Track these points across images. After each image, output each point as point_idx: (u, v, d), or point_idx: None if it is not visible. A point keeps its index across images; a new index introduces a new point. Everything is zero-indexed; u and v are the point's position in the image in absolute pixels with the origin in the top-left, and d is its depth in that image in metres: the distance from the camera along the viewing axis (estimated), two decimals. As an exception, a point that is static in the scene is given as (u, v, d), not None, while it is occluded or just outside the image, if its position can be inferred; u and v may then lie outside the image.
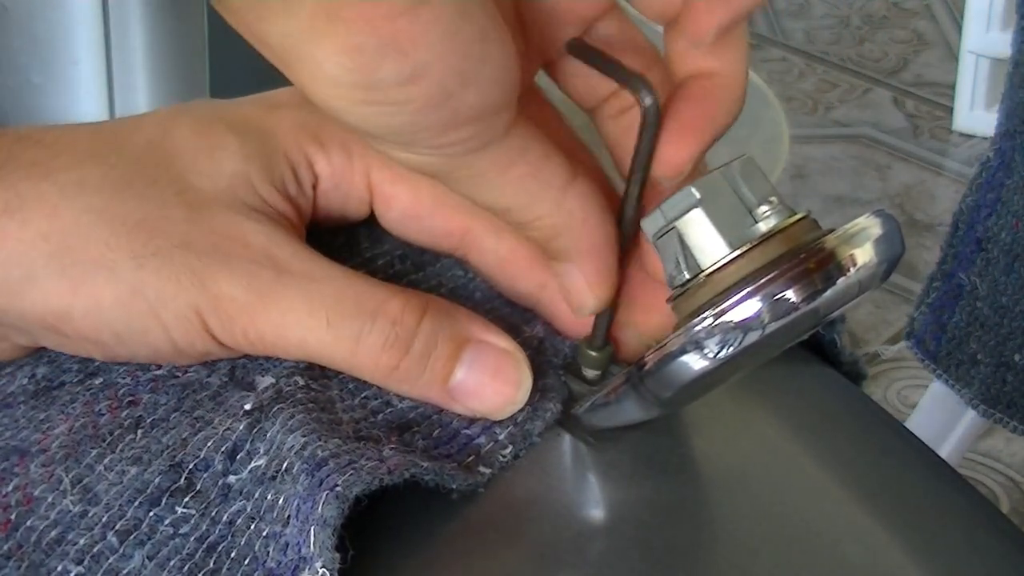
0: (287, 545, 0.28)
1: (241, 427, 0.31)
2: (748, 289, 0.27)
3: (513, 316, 0.36)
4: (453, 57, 0.26)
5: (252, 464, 0.30)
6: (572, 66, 0.33)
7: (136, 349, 0.33)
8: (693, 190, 0.29)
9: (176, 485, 0.30)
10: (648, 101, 0.30)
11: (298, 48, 0.26)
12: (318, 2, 0.25)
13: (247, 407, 0.31)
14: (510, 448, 0.32)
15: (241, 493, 0.30)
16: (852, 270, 0.28)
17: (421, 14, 0.25)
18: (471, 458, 0.32)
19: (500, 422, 0.32)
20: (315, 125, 0.35)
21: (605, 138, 0.34)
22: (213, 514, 0.30)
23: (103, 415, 0.32)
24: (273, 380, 0.32)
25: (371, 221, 0.37)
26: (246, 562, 0.29)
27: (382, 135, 0.28)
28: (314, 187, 0.35)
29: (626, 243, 0.32)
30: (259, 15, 0.26)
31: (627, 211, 0.32)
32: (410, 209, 0.36)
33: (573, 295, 0.32)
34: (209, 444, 0.31)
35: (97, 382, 0.33)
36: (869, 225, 0.28)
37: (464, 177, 0.30)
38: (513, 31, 0.31)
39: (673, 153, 0.30)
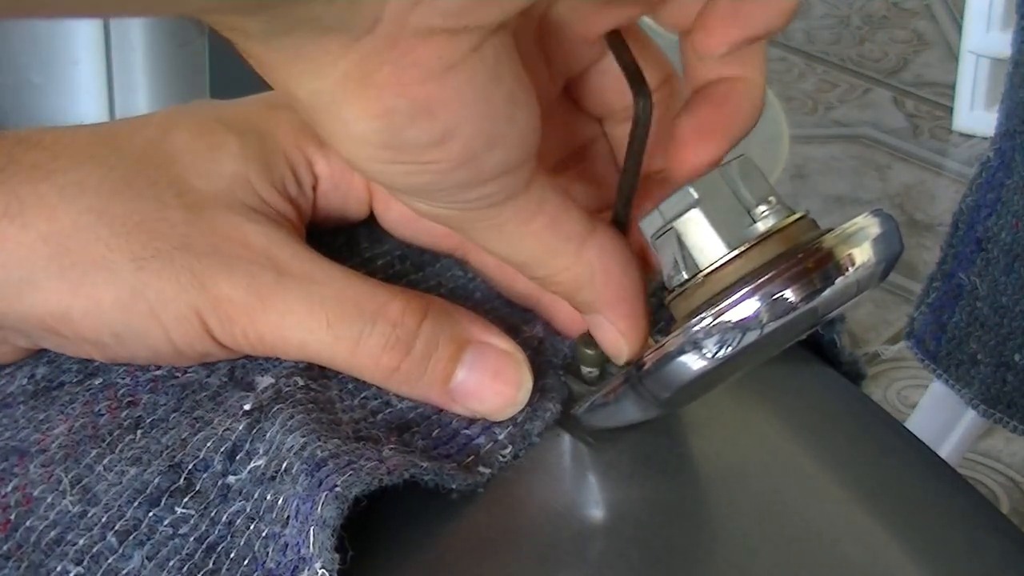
0: (286, 545, 0.28)
1: (240, 427, 0.31)
2: (746, 289, 0.27)
3: (513, 316, 0.36)
4: (482, 121, 0.26)
5: (251, 464, 0.30)
6: (587, 84, 0.33)
7: (136, 350, 0.33)
8: (691, 190, 0.29)
9: (175, 485, 0.30)
10: (640, 102, 0.30)
11: (327, 106, 0.26)
12: (350, 65, 0.25)
13: (246, 407, 0.31)
14: (509, 448, 0.32)
15: (240, 493, 0.30)
16: (850, 269, 0.28)
17: (452, 79, 0.25)
18: (470, 458, 0.32)
19: (499, 422, 0.32)
20: None
21: (613, 143, 0.35)
22: (212, 514, 0.30)
23: (102, 415, 0.32)
24: (272, 380, 0.32)
25: (371, 221, 0.37)
26: (245, 562, 0.29)
27: (405, 191, 0.28)
28: (314, 188, 0.35)
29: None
30: (288, 73, 0.25)
31: (618, 209, 0.32)
32: (409, 210, 0.36)
33: (607, 345, 0.32)
34: (208, 444, 0.31)
35: (96, 382, 0.33)
36: (867, 224, 0.28)
37: (483, 228, 0.30)
38: (534, 56, 0.31)
39: (692, 155, 0.30)
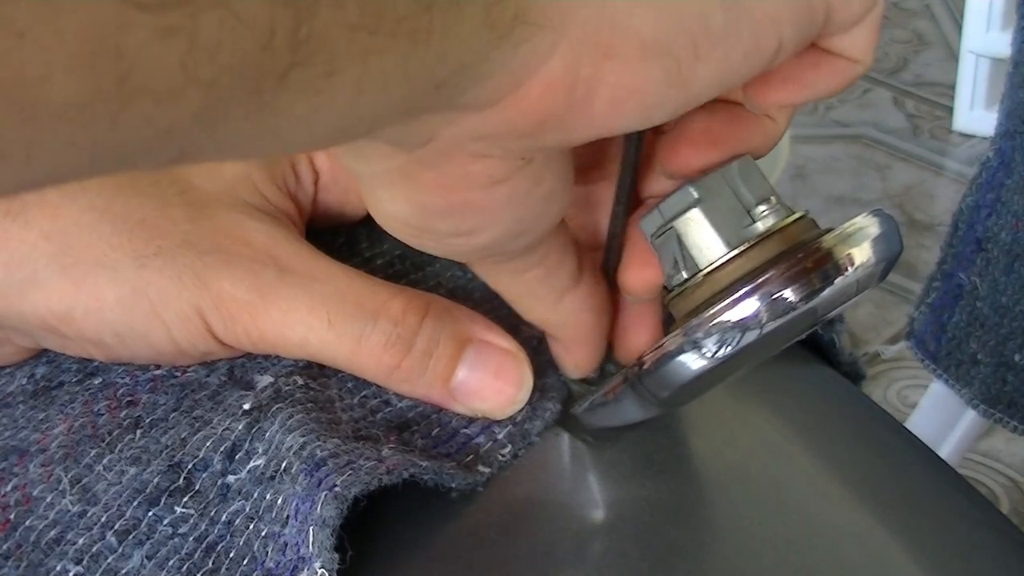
0: (286, 545, 0.28)
1: (240, 427, 0.31)
2: (746, 288, 0.27)
3: (512, 315, 0.36)
4: (514, 223, 0.27)
5: (251, 464, 0.30)
6: None
7: (138, 349, 0.33)
8: (691, 190, 0.29)
9: (175, 485, 0.30)
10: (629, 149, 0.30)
11: (364, 180, 0.26)
12: (397, 164, 0.25)
13: (246, 407, 0.31)
14: (509, 447, 0.32)
15: (240, 493, 0.30)
16: (850, 269, 0.28)
17: (495, 191, 0.25)
18: (470, 457, 0.32)
19: (499, 421, 0.32)
20: None
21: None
22: (212, 514, 0.30)
23: (102, 415, 0.32)
24: (272, 379, 0.32)
25: (370, 221, 0.37)
26: (245, 562, 0.29)
27: (418, 249, 0.29)
28: (315, 183, 0.36)
29: (613, 265, 0.32)
30: (334, 149, 0.26)
31: (606, 255, 0.32)
32: None
33: (560, 365, 0.34)
34: (208, 444, 0.31)
35: (96, 382, 0.33)
36: (867, 224, 0.28)
37: (479, 268, 0.32)
38: None
39: (691, 155, 0.30)
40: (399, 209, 0.26)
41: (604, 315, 0.33)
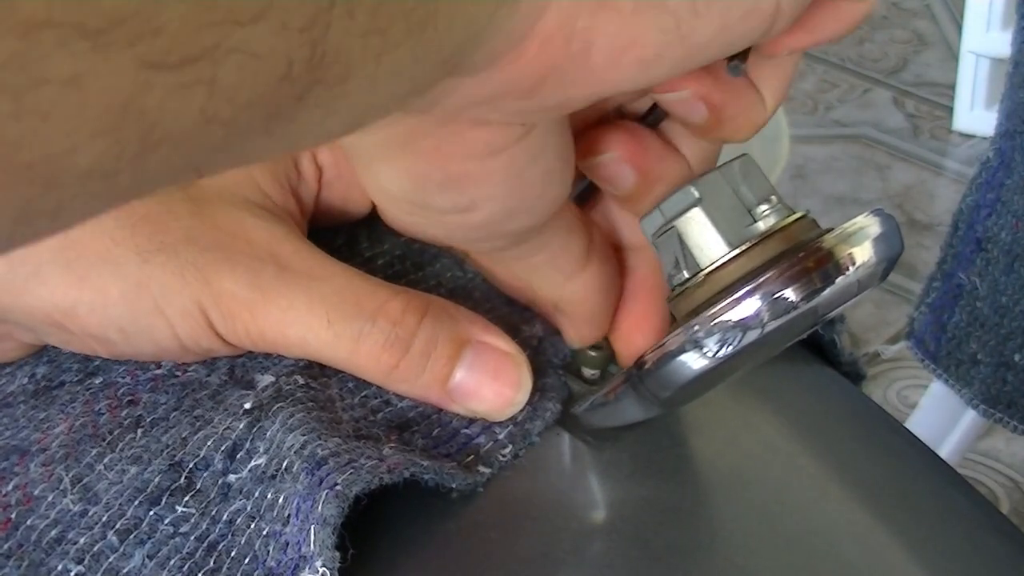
0: (287, 544, 0.28)
1: (241, 426, 0.31)
2: (747, 288, 0.27)
3: (512, 316, 0.36)
4: (511, 199, 0.27)
5: (252, 463, 0.30)
6: None
7: (142, 346, 0.33)
8: (692, 189, 0.29)
9: (176, 484, 0.30)
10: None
11: (360, 155, 0.26)
12: (395, 132, 0.25)
13: (247, 406, 0.31)
14: (510, 447, 0.32)
15: (241, 492, 0.30)
16: (851, 269, 0.28)
17: (492, 161, 0.25)
18: (471, 457, 0.32)
19: (500, 422, 0.32)
20: None
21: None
22: (213, 513, 0.30)
23: (103, 414, 0.32)
24: (273, 379, 0.32)
25: (370, 221, 0.37)
26: (246, 561, 0.29)
27: (417, 237, 0.29)
28: (319, 179, 0.36)
29: None
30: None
31: None
32: None
33: (564, 335, 0.35)
34: (209, 443, 0.31)
35: (97, 381, 0.33)
36: (868, 224, 0.28)
37: (483, 258, 0.32)
38: None
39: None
40: (397, 183, 0.26)
41: (612, 293, 0.33)
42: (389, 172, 0.26)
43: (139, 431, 0.32)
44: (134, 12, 0.14)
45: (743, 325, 0.27)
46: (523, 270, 0.33)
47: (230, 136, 0.17)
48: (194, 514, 0.30)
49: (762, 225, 0.29)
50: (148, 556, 0.29)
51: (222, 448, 0.30)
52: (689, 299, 0.29)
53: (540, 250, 0.31)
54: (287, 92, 0.17)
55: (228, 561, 0.29)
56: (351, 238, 0.38)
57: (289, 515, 0.28)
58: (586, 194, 0.33)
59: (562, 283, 0.32)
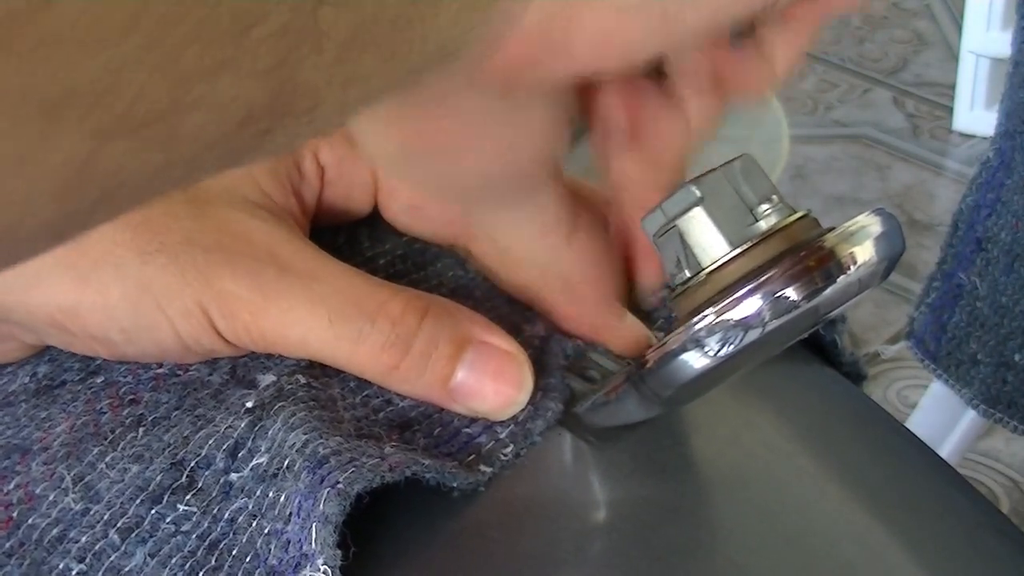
0: (288, 542, 0.28)
1: (242, 425, 0.31)
2: (749, 287, 0.27)
3: (514, 315, 0.36)
4: (501, 147, 0.27)
5: (253, 462, 0.30)
6: None
7: (144, 347, 0.33)
8: (694, 189, 0.29)
9: (178, 483, 0.30)
10: None
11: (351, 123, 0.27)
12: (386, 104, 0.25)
13: (248, 405, 0.31)
14: (511, 447, 0.32)
15: (242, 491, 0.30)
16: (852, 268, 0.28)
17: (479, 126, 0.26)
18: (472, 457, 0.32)
19: (501, 421, 0.32)
20: None
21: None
22: (215, 512, 0.30)
23: (104, 413, 0.32)
24: (274, 378, 0.32)
25: (372, 221, 0.37)
26: (248, 559, 0.29)
27: (415, 232, 0.29)
28: (320, 178, 0.36)
29: None
30: None
31: None
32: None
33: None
34: (210, 442, 0.31)
35: (98, 380, 0.33)
36: (869, 223, 0.28)
37: (484, 257, 0.33)
38: None
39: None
40: (383, 148, 0.27)
41: (603, 270, 0.34)
42: (376, 135, 0.27)
43: (141, 430, 0.32)
44: (89, 83, 0.14)
45: (745, 324, 0.27)
46: (512, 238, 0.33)
47: (193, 171, 0.17)
48: (196, 513, 0.30)
49: (763, 224, 0.29)
50: (150, 555, 0.29)
51: (224, 447, 0.31)
52: (691, 298, 0.29)
53: (527, 214, 0.31)
54: (252, 130, 0.17)
55: (229, 559, 0.29)
56: (352, 237, 0.38)
57: (290, 513, 0.28)
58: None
59: (548, 250, 0.33)
